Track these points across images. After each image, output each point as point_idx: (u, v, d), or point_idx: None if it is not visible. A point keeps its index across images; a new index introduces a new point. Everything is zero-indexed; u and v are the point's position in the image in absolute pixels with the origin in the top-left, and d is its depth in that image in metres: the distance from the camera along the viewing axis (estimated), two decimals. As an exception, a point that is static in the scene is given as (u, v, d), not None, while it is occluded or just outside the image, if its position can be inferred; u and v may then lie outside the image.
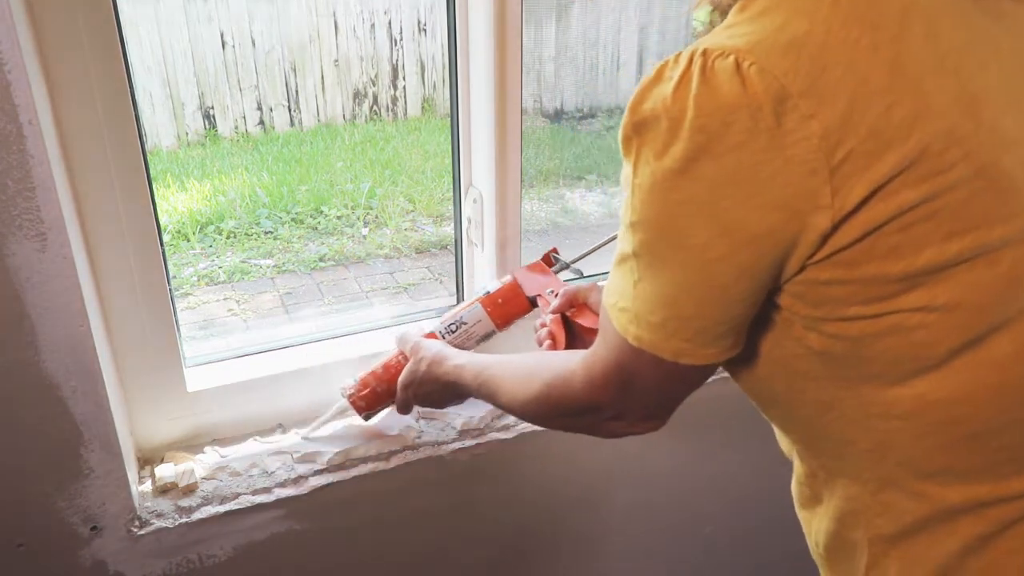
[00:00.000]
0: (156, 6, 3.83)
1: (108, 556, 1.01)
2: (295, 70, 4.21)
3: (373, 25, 4.33)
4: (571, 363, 0.74)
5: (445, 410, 1.22)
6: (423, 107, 4.57)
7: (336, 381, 1.23)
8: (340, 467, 1.12)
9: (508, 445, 1.22)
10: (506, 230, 1.25)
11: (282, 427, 1.20)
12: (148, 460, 1.12)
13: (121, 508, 1.00)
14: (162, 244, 1.05)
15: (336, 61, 4.28)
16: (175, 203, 3.43)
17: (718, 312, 0.63)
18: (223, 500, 1.06)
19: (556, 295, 1.05)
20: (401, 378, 1.04)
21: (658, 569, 1.55)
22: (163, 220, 1.16)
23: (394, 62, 4.44)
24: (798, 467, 0.80)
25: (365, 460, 1.14)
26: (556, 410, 0.77)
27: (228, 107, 4.11)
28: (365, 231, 3.53)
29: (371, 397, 1.10)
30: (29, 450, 0.92)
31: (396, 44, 4.43)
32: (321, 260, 3.32)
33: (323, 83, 4.28)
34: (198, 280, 3.08)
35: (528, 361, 0.84)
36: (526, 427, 1.24)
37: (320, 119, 4.34)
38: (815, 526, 0.78)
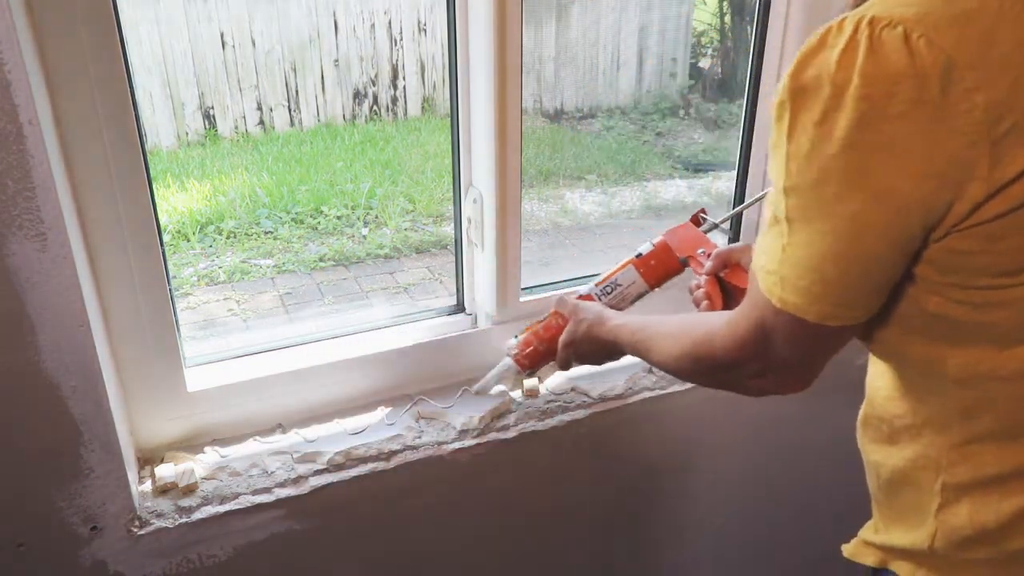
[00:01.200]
0: (156, 6, 3.83)
1: (108, 556, 1.01)
2: (295, 70, 4.20)
3: (373, 25, 4.33)
4: (718, 322, 0.78)
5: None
6: (423, 107, 4.57)
7: (336, 381, 1.23)
8: (340, 467, 1.12)
9: (508, 445, 1.22)
10: (506, 230, 1.25)
11: (282, 427, 1.20)
12: (148, 460, 1.12)
13: (121, 508, 1.00)
14: (162, 244, 1.05)
15: (336, 61, 4.28)
16: (175, 203, 3.43)
17: (863, 277, 0.65)
18: (223, 500, 1.06)
19: (708, 256, 1.08)
20: (562, 338, 1.08)
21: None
22: (163, 220, 1.16)
23: (394, 62, 4.44)
24: (881, 405, 0.83)
25: (365, 460, 1.14)
26: (701, 365, 0.81)
27: (228, 107, 4.10)
28: (365, 231, 3.53)
29: (533, 356, 1.15)
30: (29, 450, 0.92)
31: (396, 44, 4.43)
32: (321, 260, 3.32)
33: (323, 83, 4.28)
34: (198, 280, 3.07)
35: (679, 320, 0.88)
36: (526, 427, 1.24)
37: (320, 119, 4.34)
38: (884, 462, 0.82)
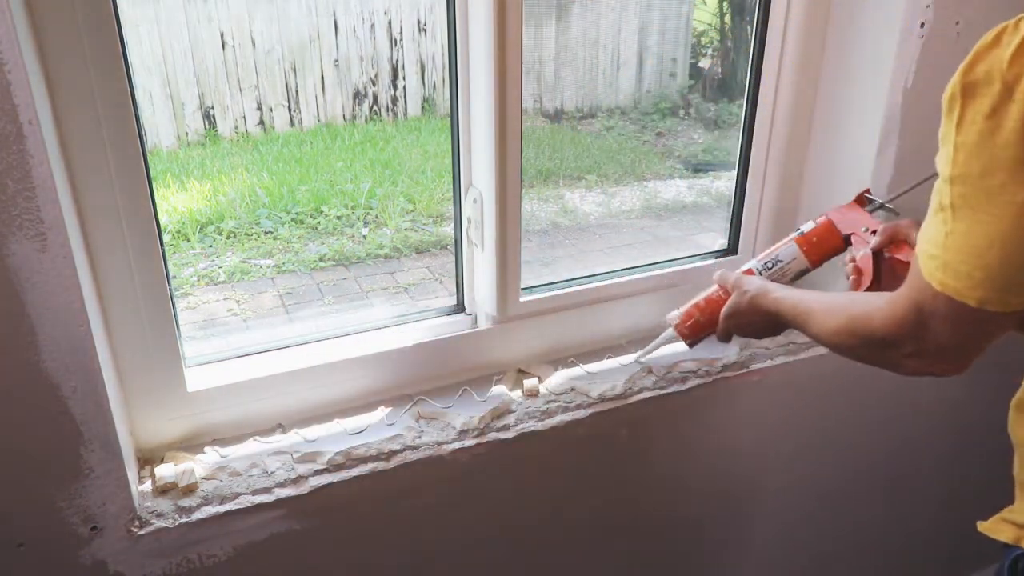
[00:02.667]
0: (156, 6, 3.83)
1: (108, 556, 1.01)
2: (295, 70, 4.20)
3: (373, 25, 4.32)
4: (878, 300, 0.82)
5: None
6: (423, 107, 4.57)
7: (336, 381, 1.23)
8: (340, 467, 1.12)
9: (508, 445, 1.22)
10: (506, 230, 1.25)
11: (282, 427, 1.20)
12: (148, 460, 1.12)
13: (121, 508, 1.00)
14: (162, 244, 1.05)
15: (336, 61, 4.28)
16: (175, 203, 3.43)
17: None
18: (223, 500, 1.06)
19: (872, 233, 1.10)
20: (724, 309, 1.12)
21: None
22: (163, 220, 1.16)
23: (394, 62, 4.44)
24: None
25: (365, 460, 1.14)
26: (858, 340, 0.85)
27: (228, 107, 4.10)
28: (365, 231, 3.53)
29: (695, 327, 1.20)
30: (29, 450, 0.92)
31: (396, 44, 4.42)
32: (321, 260, 3.32)
33: (323, 83, 4.28)
34: (198, 280, 3.07)
35: (840, 296, 0.92)
36: (526, 427, 1.24)
37: (320, 119, 4.34)
38: None
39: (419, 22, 4.47)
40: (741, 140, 1.46)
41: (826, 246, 1.16)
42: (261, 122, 4.23)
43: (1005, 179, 0.65)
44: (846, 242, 1.15)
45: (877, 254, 1.09)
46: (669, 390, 1.34)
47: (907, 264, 1.05)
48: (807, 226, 1.18)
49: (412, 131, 4.42)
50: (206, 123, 4.11)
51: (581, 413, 1.27)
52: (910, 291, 0.76)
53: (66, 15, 0.89)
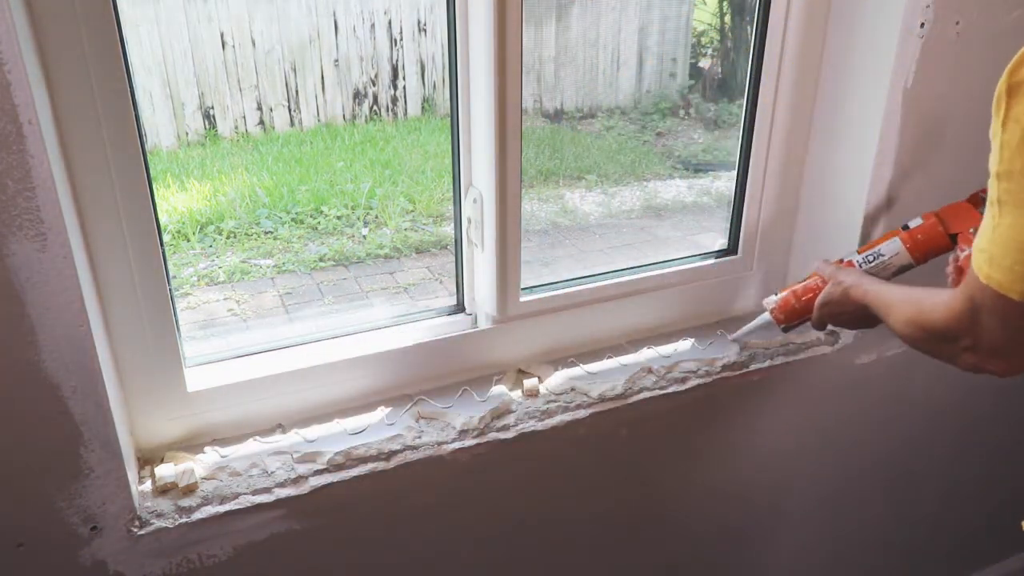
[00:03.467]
0: (156, 6, 3.83)
1: (108, 556, 1.01)
2: (295, 70, 4.20)
3: (373, 25, 4.33)
4: (945, 293, 0.85)
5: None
6: (423, 107, 4.57)
7: (336, 381, 1.23)
8: (340, 467, 1.12)
9: (508, 445, 1.22)
10: (506, 230, 1.25)
11: (282, 427, 1.20)
12: (148, 460, 1.12)
13: (121, 508, 1.00)
14: (162, 244, 1.05)
15: (336, 61, 4.28)
16: (175, 203, 3.43)
17: None
18: (223, 500, 1.06)
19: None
20: (819, 298, 1.16)
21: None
22: (163, 220, 1.16)
23: (394, 62, 4.44)
24: None
25: (365, 460, 1.14)
26: (922, 332, 0.89)
27: (228, 107, 4.10)
28: (365, 231, 3.53)
29: (790, 312, 1.25)
30: (29, 450, 0.92)
31: (396, 44, 4.43)
32: (321, 260, 3.32)
33: (323, 83, 4.28)
34: (198, 280, 3.07)
35: (916, 289, 0.94)
36: (526, 427, 1.24)
37: (320, 119, 4.34)
38: None
39: (419, 22, 4.47)
40: (741, 140, 1.46)
41: (930, 243, 1.15)
42: (261, 122, 4.24)
43: None
44: (952, 241, 1.14)
45: None
46: (669, 390, 1.34)
47: None
48: (914, 222, 1.17)
49: (412, 131, 4.42)
50: (206, 123, 4.11)
51: (581, 413, 1.27)
52: (965, 285, 0.79)
53: (66, 15, 0.89)
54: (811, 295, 1.21)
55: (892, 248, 1.17)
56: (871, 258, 1.19)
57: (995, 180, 0.72)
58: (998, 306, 0.75)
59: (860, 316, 1.10)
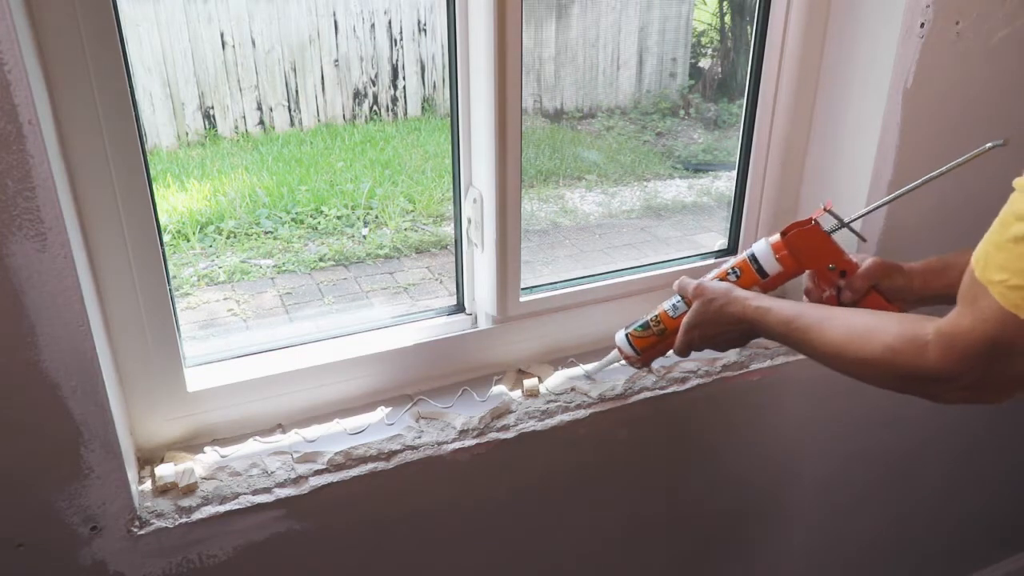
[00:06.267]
0: (156, 6, 3.83)
1: (108, 556, 1.01)
2: (295, 70, 4.20)
3: (373, 25, 4.33)
4: (921, 330, 0.77)
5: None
6: (423, 107, 4.57)
7: (336, 381, 1.23)
8: (340, 467, 1.12)
9: (508, 445, 1.22)
10: (506, 230, 1.25)
11: (282, 427, 1.20)
12: (148, 460, 1.12)
13: (121, 508, 1.00)
14: (162, 244, 1.05)
15: (336, 61, 4.28)
16: (175, 203, 3.43)
17: None
18: (223, 500, 1.06)
19: (838, 273, 1.05)
20: (687, 319, 1.06)
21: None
22: (163, 220, 1.16)
23: (394, 62, 4.44)
24: None
25: (365, 460, 1.14)
26: (898, 373, 0.79)
27: (228, 107, 4.10)
28: (365, 231, 3.53)
29: (647, 356, 1.16)
30: (29, 450, 0.92)
31: (396, 44, 4.43)
32: (321, 260, 3.32)
33: (323, 83, 4.28)
34: (198, 280, 3.07)
35: (862, 317, 0.86)
36: (526, 427, 1.24)
37: (320, 119, 4.34)
38: None
39: (419, 22, 4.47)
40: (741, 140, 1.46)
41: (783, 280, 1.09)
42: (261, 122, 4.24)
43: None
44: (803, 270, 1.08)
45: (838, 294, 1.05)
46: (669, 390, 1.34)
47: (878, 307, 1.02)
48: (770, 266, 1.07)
49: (412, 131, 4.42)
50: (206, 123, 4.11)
51: (581, 413, 1.27)
52: (977, 324, 0.71)
53: (66, 15, 0.89)
54: (669, 323, 1.11)
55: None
56: (732, 279, 1.09)
57: None
58: None
59: (740, 334, 1.01)
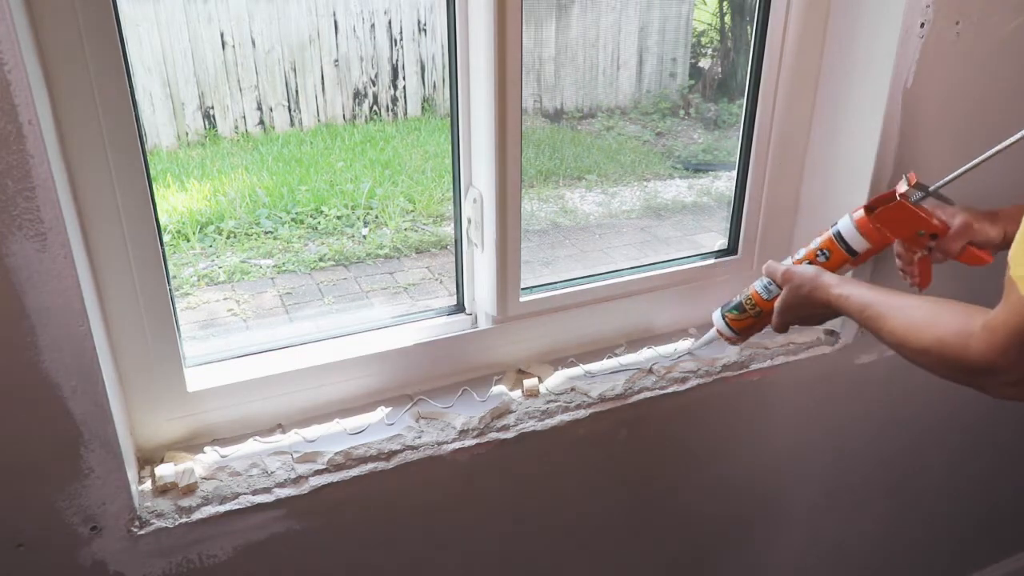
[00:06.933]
0: (156, 6, 3.83)
1: (108, 556, 1.01)
2: (295, 70, 4.20)
3: (373, 25, 4.33)
4: (971, 322, 0.78)
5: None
6: (423, 107, 4.57)
7: (336, 381, 1.23)
8: (340, 467, 1.12)
9: (508, 445, 1.22)
10: (506, 230, 1.25)
11: (282, 427, 1.20)
12: (148, 460, 1.12)
13: (121, 508, 1.00)
14: (162, 244, 1.05)
15: (336, 61, 4.28)
16: (175, 203, 3.43)
17: None
18: (223, 500, 1.06)
19: (928, 237, 1.08)
20: (780, 304, 1.13)
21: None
22: (163, 220, 1.16)
23: (394, 62, 4.44)
24: None
25: (365, 460, 1.14)
26: (947, 365, 0.82)
27: (228, 107, 4.10)
28: (365, 231, 3.53)
29: (745, 335, 1.23)
30: (29, 450, 0.92)
31: (396, 44, 4.43)
32: (321, 260, 3.32)
33: (323, 83, 4.28)
34: (198, 280, 3.07)
35: (922, 309, 0.89)
36: (526, 427, 1.24)
37: (320, 119, 4.34)
38: None
39: (419, 22, 4.47)
40: (741, 140, 1.46)
41: (872, 254, 1.12)
42: (261, 122, 4.24)
43: None
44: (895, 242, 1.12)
45: (928, 255, 1.09)
46: (669, 390, 1.34)
47: (974, 260, 1.06)
48: (857, 243, 1.10)
49: (412, 131, 4.42)
50: (206, 123, 4.11)
51: (581, 413, 1.27)
52: (1011, 318, 0.72)
53: (66, 15, 0.89)
54: (763, 303, 1.18)
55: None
56: (819, 256, 1.13)
57: None
58: None
59: (827, 316, 1.09)
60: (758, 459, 1.54)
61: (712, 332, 1.28)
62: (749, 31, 1.41)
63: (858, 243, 1.11)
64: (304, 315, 2.96)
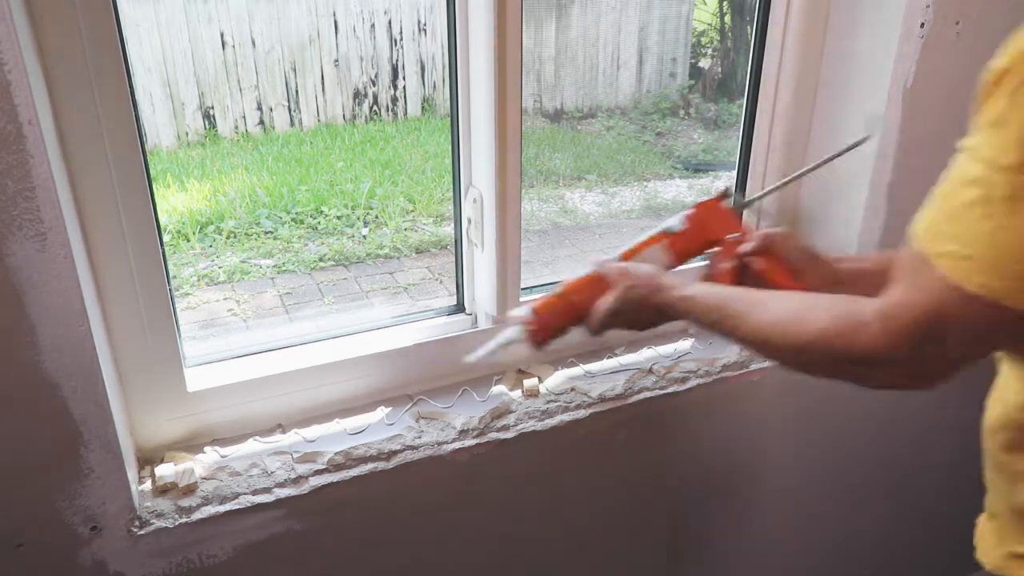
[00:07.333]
0: (156, 6, 3.84)
1: (108, 556, 1.01)
2: (295, 70, 4.21)
3: (373, 25, 4.33)
4: (859, 310, 0.71)
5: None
6: (423, 107, 4.58)
7: (336, 381, 1.23)
8: (340, 467, 1.12)
9: (508, 445, 1.22)
10: (506, 230, 1.25)
11: (282, 427, 1.20)
12: (148, 460, 1.12)
13: (121, 508, 1.00)
14: (162, 244, 1.05)
15: (336, 61, 4.28)
16: (175, 203, 3.43)
17: None
18: (223, 500, 1.06)
19: (737, 242, 1.05)
20: (611, 304, 1.00)
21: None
22: (163, 220, 1.16)
23: (394, 62, 4.44)
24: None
25: (365, 460, 1.14)
26: (833, 356, 0.73)
27: (228, 107, 4.11)
28: (365, 231, 3.53)
29: (549, 332, 1.07)
30: (29, 450, 0.92)
31: (396, 44, 4.43)
32: (321, 260, 3.32)
33: (323, 83, 4.28)
34: (198, 280, 3.08)
35: (792, 302, 0.81)
36: (526, 427, 1.24)
37: (320, 119, 4.34)
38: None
39: (419, 22, 4.47)
40: (741, 140, 1.46)
41: (691, 250, 1.10)
42: (261, 122, 4.24)
43: None
44: (712, 245, 1.09)
45: (743, 265, 1.04)
46: (669, 390, 1.34)
47: (780, 276, 1.00)
48: (676, 224, 1.09)
49: (412, 131, 4.43)
50: (206, 123, 4.11)
51: (581, 413, 1.27)
52: (918, 298, 0.66)
53: (66, 15, 0.89)
54: (577, 300, 1.05)
55: (655, 257, 1.08)
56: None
57: (1001, 174, 0.61)
58: (985, 319, 0.64)
59: (659, 320, 0.98)
60: (758, 459, 1.54)
61: (509, 331, 1.09)
62: (749, 31, 1.41)
63: (678, 224, 1.08)
64: (304, 315, 2.96)
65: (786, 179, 1.11)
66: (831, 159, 1.05)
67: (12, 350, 0.87)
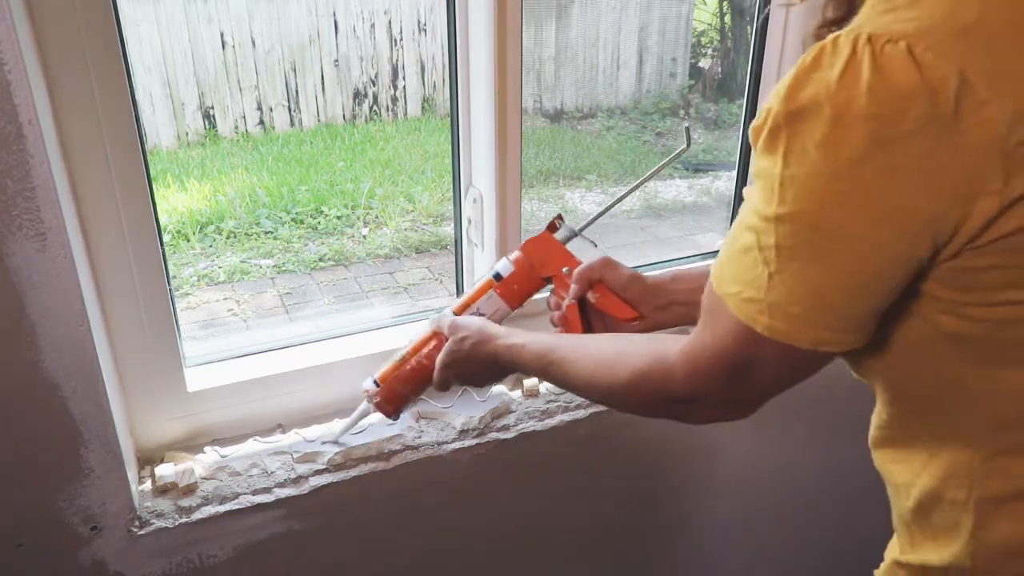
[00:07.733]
0: (156, 6, 3.84)
1: (108, 556, 1.01)
2: (295, 70, 4.21)
3: (373, 25, 4.33)
4: (666, 352, 0.73)
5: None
6: (423, 107, 4.58)
7: (336, 381, 1.23)
8: (340, 467, 1.12)
9: (508, 445, 1.22)
10: (506, 230, 1.25)
11: (282, 427, 1.20)
12: (148, 460, 1.12)
13: (121, 508, 1.00)
14: (162, 244, 1.05)
15: (336, 61, 4.28)
16: (175, 203, 3.43)
17: (867, 300, 0.63)
18: (223, 500, 1.06)
19: (571, 276, 1.04)
20: (441, 358, 1.00)
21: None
22: (163, 220, 1.16)
23: (394, 62, 4.44)
24: (896, 432, 0.79)
25: (365, 460, 1.14)
26: (649, 398, 0.76)
27: (228, 107, 4.11)
28: (365, 231, 3.53)
29: (398, 400, 1.07)
30: (29, 450, 0.92)
31: (396, 44, 4.43)
32: (321, 260, 3.32)
33: (323, 83, 4.28)
34: (198, 280, 3.08)
35: (609, 346, 0.83)
36: (526, 427, 1.24)
37: (320, 119, 4.34)
38: (909, 485, 0.78)
39: (419, 22, 4.48)
40: (741, 140, 1.47)
41: (526, 290, 1.08)
42: (261, 122, 4.24)
43: (846, 212, 0.59)
44: (546, 282, 1.08)
45: (581, 300, 1.03)
46: (669, 390, 1.33)
47: (614, 308, 1.01)
48: (504, 269, 1.07)
49: (412, 131, 4.43)
50: (206, 123, 4.11)
51: (581, 413, 1.27)
52: (716, 340, 0.68)
53: (66, 15, 0.89)
54: (418, 365, 1.04)
55: (491, 304, 1.07)
56: (474, 315, 1.06)
57: (769, 224, 0.62)
58: (777, 357, 0.65)
59: (497, 373, 0.97)
60: (758, 459, 1.54)
61: (363, 406, 1.10)
62: (749, 31, 1.41)
63: (505, 269, 1.07)
64: (304, 315, 2.96)
65: (615, 200, 1.11)
66: (656, 172, 1.06)
67: (12, 350, 0.87)
